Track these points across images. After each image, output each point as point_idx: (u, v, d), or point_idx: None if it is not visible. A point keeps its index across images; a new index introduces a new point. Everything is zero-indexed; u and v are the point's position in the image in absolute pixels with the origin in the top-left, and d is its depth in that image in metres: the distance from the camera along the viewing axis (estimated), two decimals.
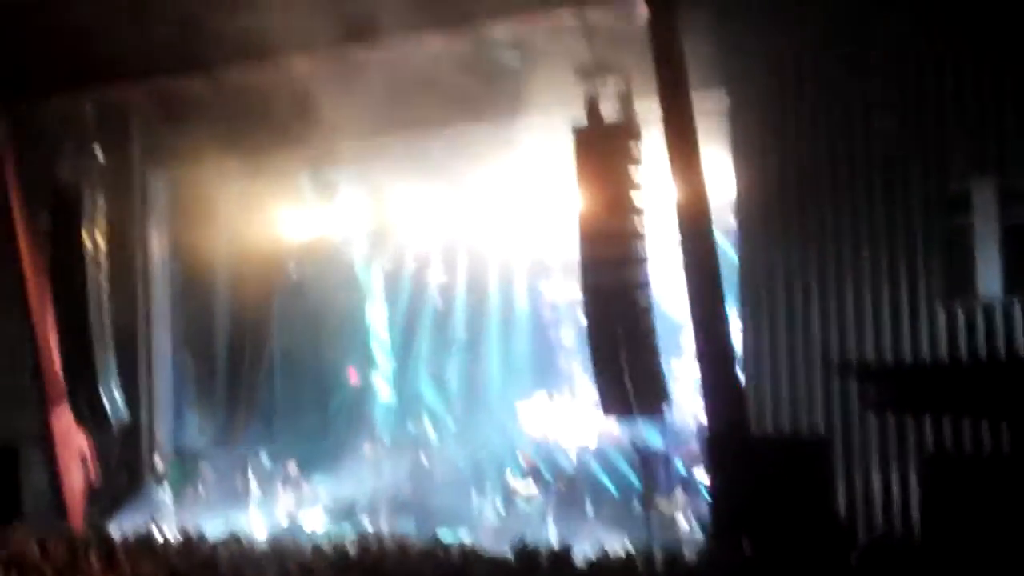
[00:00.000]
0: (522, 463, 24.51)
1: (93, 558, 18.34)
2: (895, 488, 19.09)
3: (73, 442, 25.53)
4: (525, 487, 23.99)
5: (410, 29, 21.38)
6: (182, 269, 27.41)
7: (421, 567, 17.30)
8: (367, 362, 28.64)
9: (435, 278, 27.89)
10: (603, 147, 20.31)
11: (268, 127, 24.18)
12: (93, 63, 23.82)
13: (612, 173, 20.21)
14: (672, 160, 19.69)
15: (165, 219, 26.95)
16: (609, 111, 20.51)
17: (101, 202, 24.79)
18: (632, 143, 20.18)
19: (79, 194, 24.61)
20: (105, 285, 24.80)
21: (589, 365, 20.94)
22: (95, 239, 24.72)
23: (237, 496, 25.69)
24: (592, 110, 20.50)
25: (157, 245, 26.73)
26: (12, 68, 24.73)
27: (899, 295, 19.33)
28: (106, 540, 20.66)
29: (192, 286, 27.76)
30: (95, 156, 24.85)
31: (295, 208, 26.81)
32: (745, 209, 20.47)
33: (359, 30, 21.58)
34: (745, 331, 20.21)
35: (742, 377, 19.94)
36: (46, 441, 25.48)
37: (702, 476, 22.15)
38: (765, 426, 19.93)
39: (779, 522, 18.27)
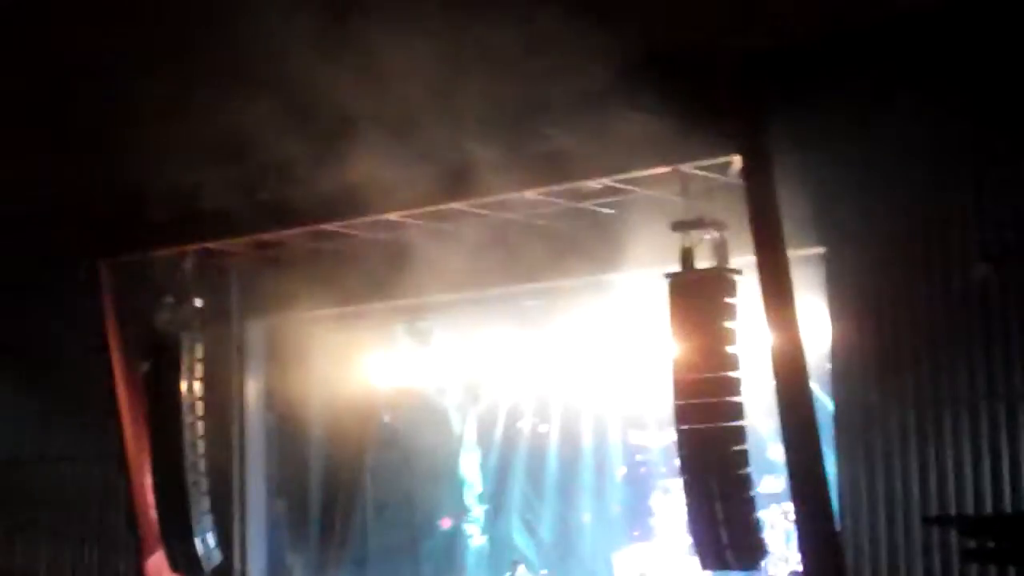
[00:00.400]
0: None
1: None
2: None
3: None
4: None
5: (508, 183, 21.63)
6: (277, 416, 27.60)
7: None
8: (459, 509, 28.54)
9: (528, 425, 27.81)
10: (697, 293, 20.25)
11: (363, 277, 24.48)
12: (196, 218, 24.35)
13: (706, 320, 20.13)
14: (768, 309, 19.58)
15: (261, 367, 27.20)
16: (704, 263, 20.52)
17: (199, 350, 25.06)
18: (726, 289, 20.11)
19: (177, 342, 24.91)
20: (201, 432, 25.01)
21: (685, 517, 20.65)
22: (192, 386, 24.98)
23: None
24: (686, 259, 20.49)
25: (253, 392, 26.97)
26: (115, 219, 25.28)
27: (999, 447, 19.03)
28: None
29: (287, 433, 27.91)
30: (194, 304, 25.18)
31: (389, 356, 26.92)
32: (841, 360, 20.32)
33: (457, 184, 21.83)
34: (841, 483, 19.95)
35: (839, 527, 19.61)
36: None
37: None
38: None
39: None
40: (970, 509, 19.09)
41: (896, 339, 19.76)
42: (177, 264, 25.14)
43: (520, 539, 27.75)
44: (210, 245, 24.93)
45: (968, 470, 19.20)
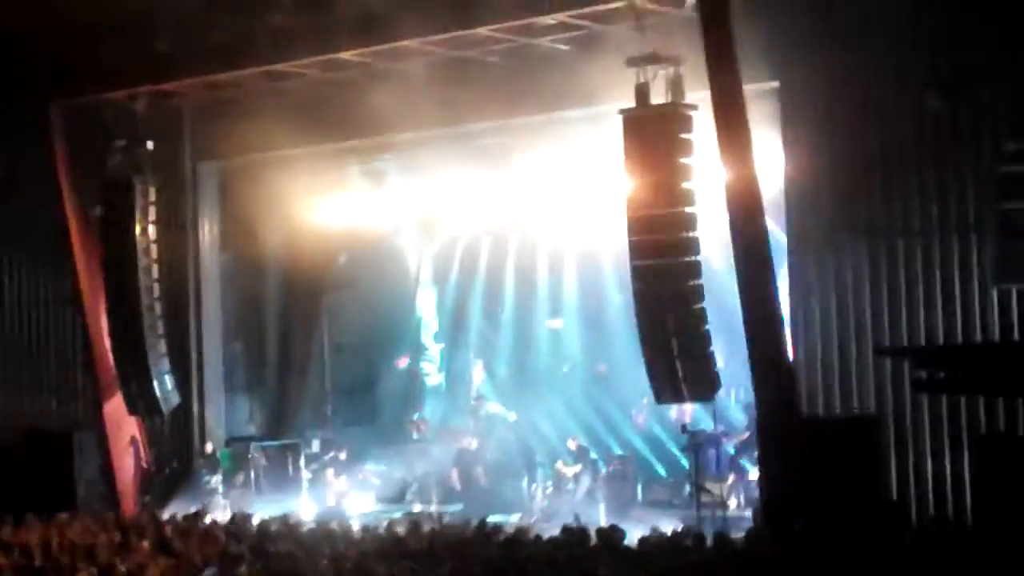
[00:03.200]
0: (571, 447, 24.53)
1: (145, 542, 18.45)
2: (947, 469, 19.06)
3: (125, 430, 25.82)
4: (574, 471, 24.00)
5: (462, 19, 21.48)
6: (232, 259, 27.62)
7: (471, 547, 17.32)
8: (416, 347, 28.75)
9: (484, 263, 27.88)
10: (652, 130, 20.30)
11: (317, 118, 24.36)
12: (146, 60, 24.11)
13: (661, 157, 20.20)
14: (722, 144, 19.63)
15: (215, 210, 27.11)
16: (659, 99, 20.49)
17: (152, 193, 24.97)
18: (681, 126, 20.13)
19: (130, 187, 24.80)
20: (156, 275, 25.02)
21: (640, 350, 20.88)
22: (146, 230, 24.91)
23: (288, 483, 25.82)
24: (641, 96, 20.47)
25: (207, 235, 26.90)
26: (65, 63, 24.98)
27: (951, 278, 19.28)
28: (157, 524, 20.82)
29: (242, 275, 28.00)
30: (146, 147, 25.04)
31: (344, 197, 26.88)
32: (795, 192, 20.45)
33: (410, 21, 21.67)
34: (795, 313, 20.20)
35: (792, 359, 19.90)
36: (99, 429, 25.75)
37: (752, 458, 22.12)
38: (816, 407, 19.92)
39: (830, 503, 18.23)
40: (922, 340, 19.37)
41: (849, 171, 19.87)
42: (129, 107, 24.96)
43: (477, 375, 27.97)
44: (162, 87, 24.70)
45: (920, 301, 19.45)
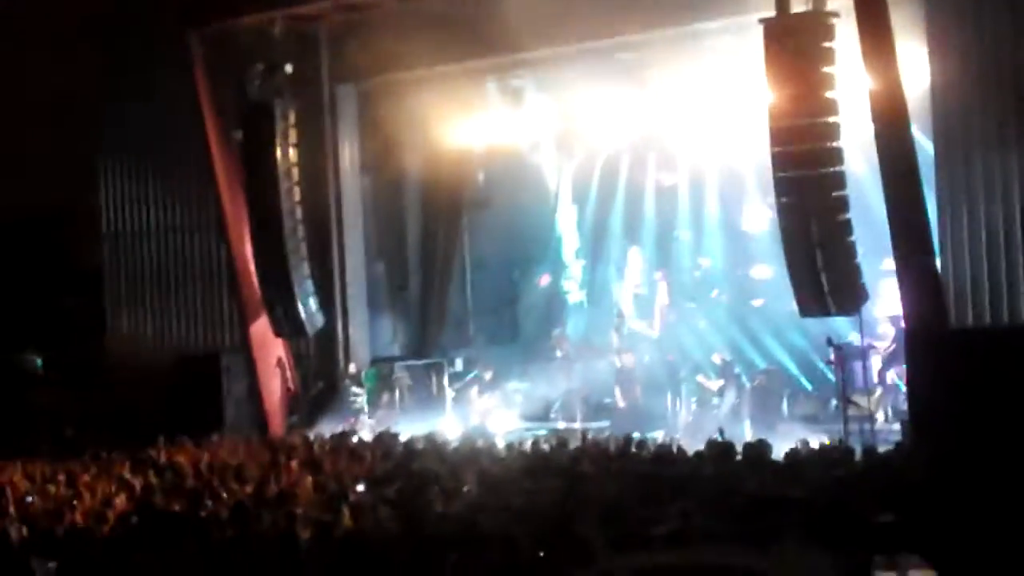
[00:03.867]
0: (716, 362, 24.39)
1: (294, 462, 18.68)
2: None
3: (271, 352, 26.09)
4: (719, 385, 23.88)
5: None
6: (372, 180, 27.77)
7: (616, 464, 17.30)
8: (557, 265, 28.70)
9: (623, 179, 27.70)
10: (794, 39, 19.88)
11: (453, 36, 24.29)
12: None
13: (804, 66, 19.80)
14: (866, 52, 19.25)
15: (355, 131, 27.23)
16: (800, 6, 20.10)
17: (292, 116, 25.07)
18: (823, 34, 19.74)
19: (270, 111, 24.91)
20: (298, 198, 25.15)
21: (784, 263, 20.65)
22: (287, 154, 25.02)
23: (432, 402, 26.04)
24: (782, 3, 20.08)
25: (347, 157, 27.05)
26: None
27: None
28: (305, 444, 21.09)
29: (382, 196, 28.17)
30: (284, 71, 25.13)
31: (482, 116, 26.83)
32: (941, 101, 19.99)
33: None
34: (943, 223, 19.81)
35: (940, 269, 19.55)
36: (246, 351, 26.08)
37: (900, 373, 21.82)
38: (965, 318, 19.55)
39: (982, 416, 17.92)
40: None
41: (998, 79, 19.38)
42: (266, 31, 25.04)
43: (618, 294, 27.88)
44: (298, 10, 24.77)
45: None
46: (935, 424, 18.02)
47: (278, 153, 24.89)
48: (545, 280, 28.79)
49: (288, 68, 25.16)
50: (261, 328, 25.84)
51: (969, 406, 18.11)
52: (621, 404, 24.89)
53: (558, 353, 26.59)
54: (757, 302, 25.78)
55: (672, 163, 26.83)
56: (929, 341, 19.14)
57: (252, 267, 25.69)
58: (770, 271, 24.80)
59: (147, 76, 26.66)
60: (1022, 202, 19.26)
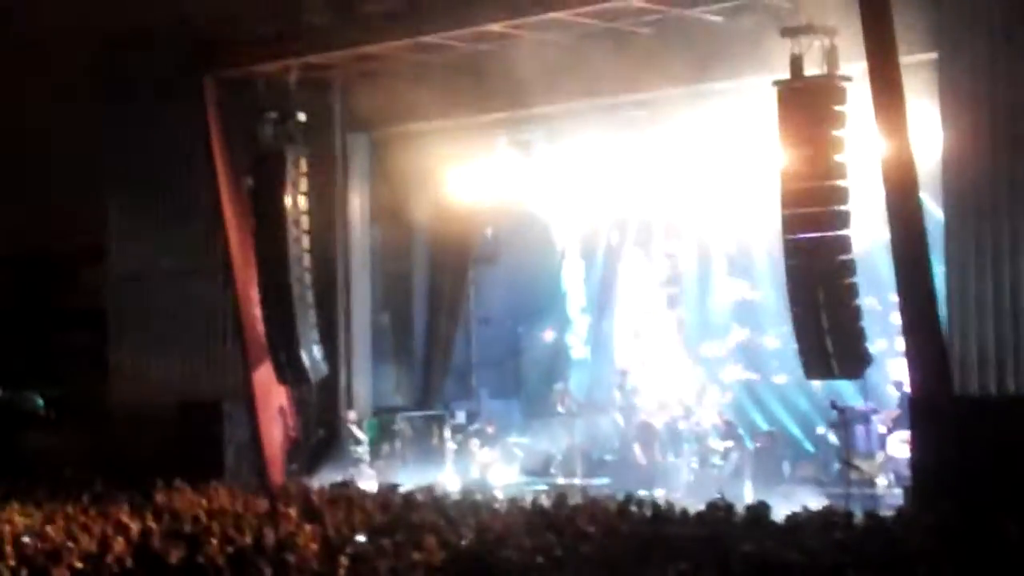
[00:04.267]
0: (719, 422, 24.34)
1: (293, 510, 18.63)
2: None
3: (273, 399, 26.07)
4: (721, 446, 23.82)
5: None
6: (381, 230, 27.82)
7: (615, 521, 17.25)
8: (562, 320, 28.68)
9: (631, 237, 27.72)
10: (806, 102, 19.99)
11: (465, 89, 24.46)
12: (298, 33, 24.34)
13: (815, 128, 19.89)
14: (878, 117, 19.31)
15: (365, 181, 27.31)
16: (814, 70, 20.17)
17: (303, 164, 25.16)
18: (836, 98, 19.81)
19: (282, 157, 25.01)
20: (306, 246, 25.21)
21: (791, 325, 20.65)
22: (296, 201, 25.10)
23: (433, 453, 25.99)
24: (796, 66, 20.17)
25: (357, 206, 27.13)
26: (218, 37, 25.35)
27: None
28: (305, 493, 21.03)
29: (390, 247, 28.22)
30: (297, 119, 25.23)
31: (492, 170, 26.88)
32: (953, 168, 20.00)
33: None
34: (950, 291, 19.78)
35: (946, 336, 19.51)
36: (247, 398, 26.04)
37: (903, 438, 21.75)
38: (970, 387, 19.49)
39: (983, 485, 17.85)
40: None
41: (1010, 147, 19.37)
42: (280, 79, 25.17)
43: (623, 350, 27.86)
44: (312, 59, 24.89)
45: None
46: (937, 492, 17.94)
47: (288, 200, 24.98)
48: (549, 335, 28.77)
49: (301, 116, 25.30)
50: (264, 374, 25.82)
51: (972, 475, 18.05)
52: (643, 461, 24.78)
53: (560, 408, 26.52)
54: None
55: (680, 222, 26.88)
56: (933, 408, 19.10)
57: (257, 313, 25.69)
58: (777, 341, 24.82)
59: (161, 119, 26.74)
60: None
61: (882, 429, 22.81)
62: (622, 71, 22.81)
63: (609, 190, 26.32)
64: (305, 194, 25.13)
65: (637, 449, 24.85)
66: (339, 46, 24.36)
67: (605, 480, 24.09)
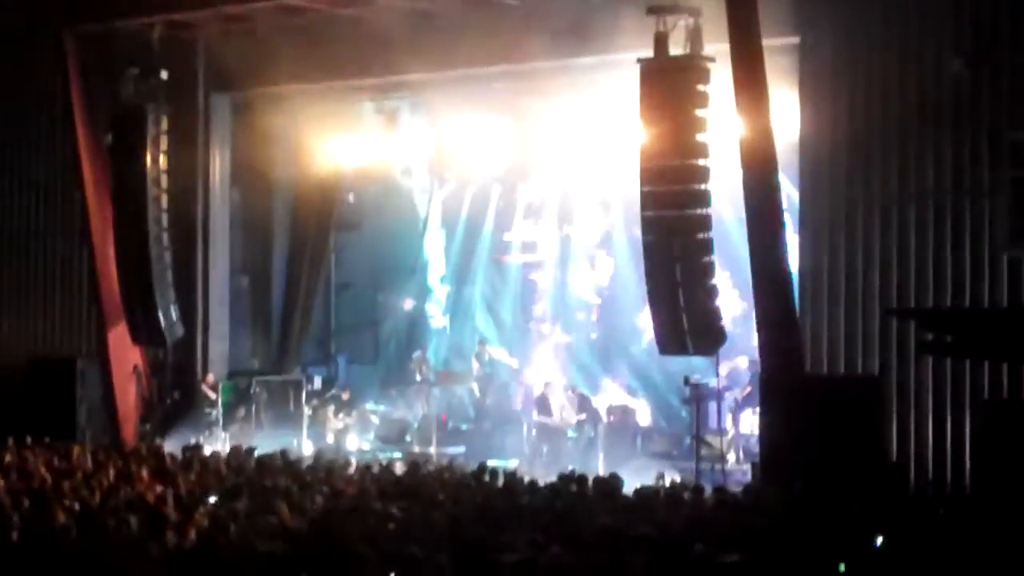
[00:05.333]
0: (572, 396, 24.55)
1: (144, 471, 18.47)
2: (949, 433, 19.06)
3: (128, 359, 25.77)
4: (575, 419, 24.04)
5: None
6: (241, 193, 27.58)
7: (468, 490, 17.33)
8: (422, 289, 28.72)
9: (493, 208, 27.81)
10: (669, 81, 20.18)
11: (331, 54, 24.26)
12: None
13: (677, 108, 20.08)
14: (739, 98, 19.53)
15: (227, 143, 26.99)
16: (678, 50, 20.36)
17: (164, 123, 24.83)
18: (699, 77, 20.02)
19: (142, 116, 24.66)
20: (165, 206, 24.89)
21: (647, 301, 20.88)
22: (157, 160, 24.76)
23: (288, 418, 25.85)
24: (660, 45, 20.33)
25: (218, 168, 26.80)
26: None
27: (962, 242, 19.21)
28: (157, 454, 20.86)
29: (251, 209, 27.98)
30: (160, 76, 24.90)
31: (356, 136, 26.79)
32: (810, 151, 20.36)
33: None
34: (804, 271, 20.16)
35: (799, 316, 19.87)
36: (102, 357, 25.75)
37: (754, 415, 22.14)
38: (820, 365, 19.89)
39: (830, 462, 18.21)
40: (929, 303, 19.32)
41: (867, 131, 19.80)
42: (143, 36, 24.80)
43: (482, 321, 27.98)
44: (176, 17, 24.54)
45: (930, 264, 19.39)
46: (784, 468, 18.25)
47: (148, 159, 24.60)
48: (409, 303, 28.80)
49: (163, 74, 24.91)
50: (120, 334, 25.51)
51: (818, 452, 18.41)
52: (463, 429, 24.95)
53: (417, 377, 26.60)
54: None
55: (542, 192, 27.02)
56: (783, 386, 19.42)
57: (114, 272, 25.37)
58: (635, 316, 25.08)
59: (18, 74, 26.27)
60: (881, 254, 19.66)
61: (733, 406, 23.21)
62: (491, 43, 22.81)
63: (473, 161, 26.42)
64: (165, 153, 24.77)
65: (535, 415, 24.92)
66: (203, 4, 24.01)
67: (460, 449, 24.18)
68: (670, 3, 20.23)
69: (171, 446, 22.55)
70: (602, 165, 24.49)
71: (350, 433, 25.55)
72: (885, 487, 17.77)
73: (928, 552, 12.85)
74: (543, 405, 24.57)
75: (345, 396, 26.48)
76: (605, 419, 24.00)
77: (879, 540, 13.35)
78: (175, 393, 26.06)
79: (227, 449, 21.98)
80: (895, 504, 16.35)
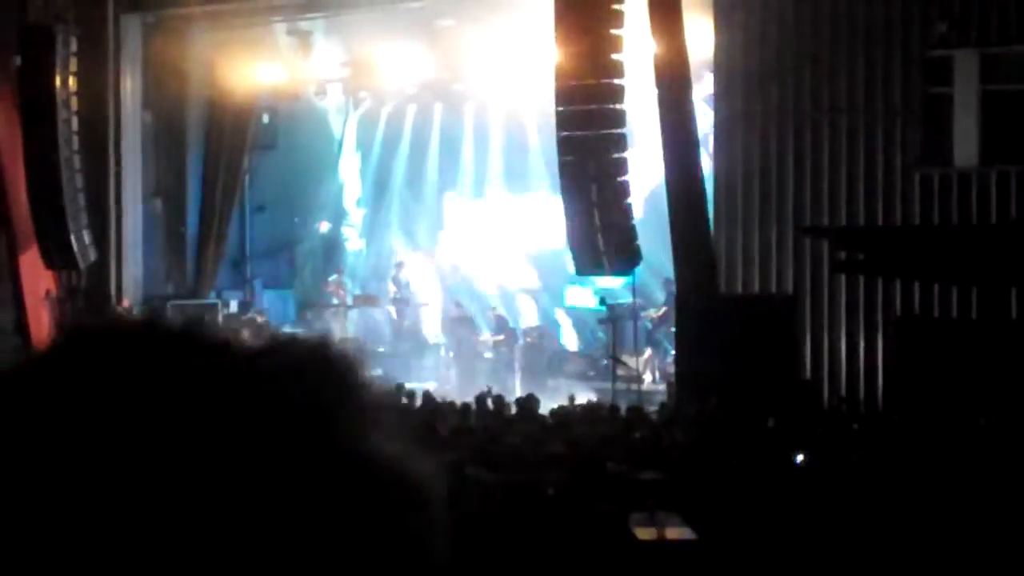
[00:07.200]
0: (490, 316, 24.56)
1: None
2: (861, 350, 19.26)
3: (41, 284, 25.44)
4: (492, 339, 24.07)
5: None
6: (154, 115, 27.21)
7: (384, 414, 17.28)
8: (338, 212, 28.57)
9: (408, 130, 27.66)
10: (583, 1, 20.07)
11: None
12: None
13: (592, 27, 19.94)
14: (652, 16, 19.46)
15: (138, 64, 26.61)
16: None
17: (73, 44, 24.42)
18: None
19: (51, 36, 24.24)
20: (76, 128, 24.52)
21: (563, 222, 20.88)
22: (67, 82, 24.35)
23: None
24: None
25: (129, 89, 26.43)
26: None
27: (875, 160, 19.34)
28: None
29: (164, 131, 27.59)
30: None
31: (269, 57, 26.50)
32: (723, 68, 20.38)
33: None
34: (718, 191, 20.21)
35: (713, 236, 19.95)
36: (13, 282, 25.42)
37: (669, 334, 22.25)
38: (734, 285, 20.01)
39: (744, 381, 18.33)
40: (843, 221, 19.46)
41: (779, 50, 19.84)
42: None
43: (399, 243, 27.89)
44: None
45: (843, 182, 19.51)
46: (699, 386, 18.36)
47: (57, 80, 24.19)
48: (325, 226, 28.65)
49: None
50: (31, 259, 25.16)
51: (732, 370, 18.53)
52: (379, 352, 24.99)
53: (334, 300, 26.50)
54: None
55: (459, 112, 26.89)
56: (698, 306, 19.51)
57: (24, 196, 25.02)
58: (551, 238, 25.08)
59: None
60: (795, 173, 19.76)
61: (649, 326, 23.31)
62: None
63: (388, 82, 26.23)
64: (75, 74, 24.38)
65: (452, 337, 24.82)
66: None
67: (377, 372, 24.13)
68: None
69: None
70: (519, 86, 24.37)
71: None
72: (799, 404, 17.91)
73: (842, 468, 12.97)
74: (460, 327, 24.59)
75: (261, 320, 26.33)
76: (522, 340, 24.04)
77: (799, 458, 13.45)
78: (88, 319, 25.72)
79: None
80: (809, 421, 16.49)
